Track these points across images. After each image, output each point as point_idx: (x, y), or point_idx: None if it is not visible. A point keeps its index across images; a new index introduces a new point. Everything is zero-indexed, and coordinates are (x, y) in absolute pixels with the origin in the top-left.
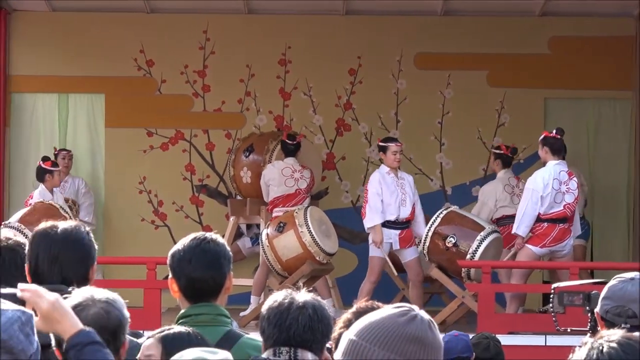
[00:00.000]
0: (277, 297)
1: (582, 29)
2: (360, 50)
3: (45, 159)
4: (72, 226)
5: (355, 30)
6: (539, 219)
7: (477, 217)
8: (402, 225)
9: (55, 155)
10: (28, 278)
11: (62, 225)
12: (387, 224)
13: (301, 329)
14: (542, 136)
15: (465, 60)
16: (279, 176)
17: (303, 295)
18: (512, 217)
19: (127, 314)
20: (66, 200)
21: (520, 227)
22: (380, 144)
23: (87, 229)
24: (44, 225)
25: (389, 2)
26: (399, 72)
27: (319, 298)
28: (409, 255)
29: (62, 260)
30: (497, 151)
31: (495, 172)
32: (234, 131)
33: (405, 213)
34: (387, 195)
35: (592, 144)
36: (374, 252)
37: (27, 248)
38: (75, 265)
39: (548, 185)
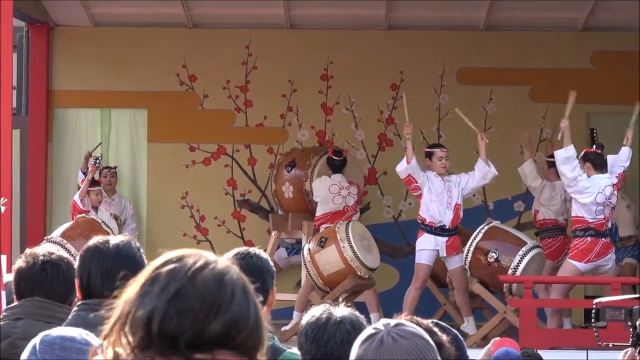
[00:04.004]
0: (315, 312)
1: (625, 43)
2: (402, 65)
3: None
4: (123, 241)
5: (398, 45)
6: (584, 233)
7: (519, 232)
8: (449, 232)
9: (99, 173)
10: (79, 293)
11: (113, 240)
12: (434, 231)
13: (339, 344)
14: (582, 153)
15: (507, 75)
16: (326, 193)
17: (341, 310)
18: (560, 228)
19: None
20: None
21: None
22: (427, 150)
23: (138, 244)
24: (95, 240)
25: (431, 17)
26: (441, 87)
27: (357, 313)
28: (454, 263)
29: (115, 275)
30: (551, 159)
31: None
32: (276, 146)
33: (449, 217)
34: (432, 196)
35: (636, 159)
36: (420, 259)
37: (78, 263)
38: (128, 281)
39: (590, 194)
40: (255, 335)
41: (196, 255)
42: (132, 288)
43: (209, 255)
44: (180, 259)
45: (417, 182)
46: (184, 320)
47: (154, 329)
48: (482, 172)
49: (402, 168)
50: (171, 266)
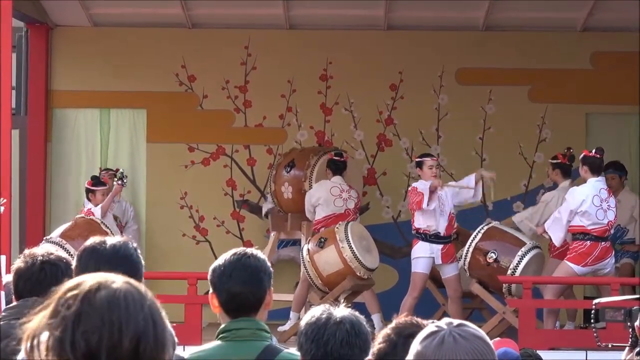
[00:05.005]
0: (315, 312)
1: (624, 44)
2: (401, 65)
3: (92, 178)
4: (120, 242)
5: (397, 46)
6: (583, 237)
7: (518, 232)
8: (445, 239)
9: (99, 174)
10: None
11: (110, 240)
12: (429, 239)
13: (338, 344)
14: (582, 155)
15: (506, 76)
16: (328, 195)
17: (341, 311)
18: None
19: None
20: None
21: (553, 235)
22: (416, 159)
23: (135, 244)
24: (92, 240)
25: (430, 17)
26: (440, 87)
27: (357, 313)
28: (449, 272)
29: None
30: (555, 161)
31: (557, 183)
32: (275, 146)
33: (443, 224)
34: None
35: (635, 159)
36: (416, 267)
37: (75, 263)
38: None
39: (585, 201)
40: (157, 350)
41: (92, 279)
42: (40, 318)
43: (107, 277)
44: (77, 286)
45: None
46: (92, 341)
47: (70, 356)
48: (468, 194)
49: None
50: (69, 294)
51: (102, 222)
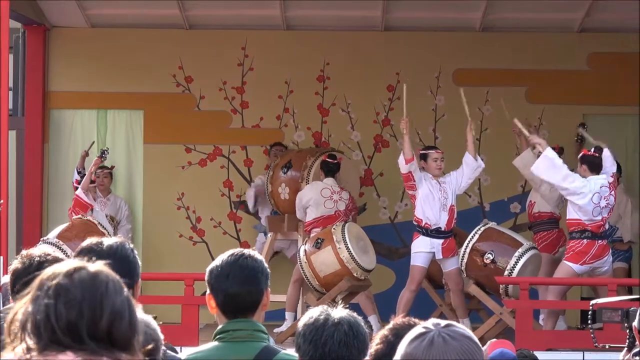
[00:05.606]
0: (313, 313)
1: (621, 45)
2: (398, 66)
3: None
4: (117, 242)
5: (394, 47)
6: (580, 235)
7: (515, 233)
8: (445, 234)
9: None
10: None
11: (107, 241)
12: (430, 234)
13: (336, 345)
14: (580, 154)
15: (503, 77)
16: (318, 197)
17: (339, 312)
18: (555, 221)
19: (161, 336)
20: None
21: (539, 162)
22: (421, 152)
23: (132, 245)
24: (89, 241)
25: (427, 18)
26: (437, 88)
27: (355, 314)
28: (450, 265)
29: None
30: None
31: None
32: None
33: (444, 219)
34: (429, 199)
35: (632, 160)
36: (416, 261)
37: None
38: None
39: (585, 195)
40: (131, 329)
41: (73, 262)
42: (24, 300)
43: (85, 262)
44: (59, 267)
45: (414, 180)
46: (72, 311)
47: (55, 325)
48: (472, 167)
49: (402, 165)
50: (51, 272)
51: (98, 222)
